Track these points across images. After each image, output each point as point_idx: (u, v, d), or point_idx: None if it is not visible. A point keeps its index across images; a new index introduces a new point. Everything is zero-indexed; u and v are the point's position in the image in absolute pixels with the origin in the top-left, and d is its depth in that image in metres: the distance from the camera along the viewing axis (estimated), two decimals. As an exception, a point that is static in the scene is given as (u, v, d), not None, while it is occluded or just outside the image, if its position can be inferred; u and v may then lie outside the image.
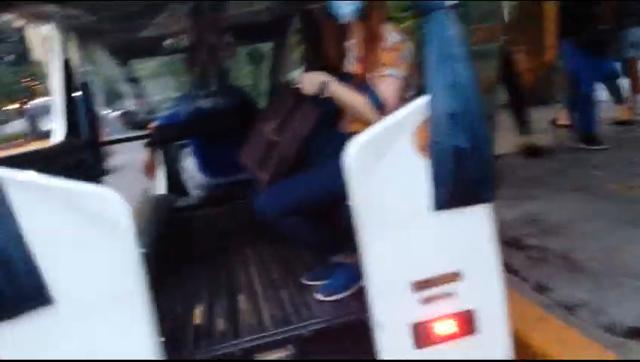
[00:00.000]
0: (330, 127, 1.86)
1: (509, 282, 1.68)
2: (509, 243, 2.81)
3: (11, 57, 19.39)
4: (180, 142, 3.67)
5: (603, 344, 1.88)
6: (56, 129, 2.41)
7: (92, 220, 1.28)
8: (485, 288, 1.55)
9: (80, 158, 2.48)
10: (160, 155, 3.71)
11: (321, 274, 1.95)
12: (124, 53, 3.48)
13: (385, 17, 1.76)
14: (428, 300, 1.50)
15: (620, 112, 5.03)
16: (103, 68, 3.44)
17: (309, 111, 1.76)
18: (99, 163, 2.68)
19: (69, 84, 2.49)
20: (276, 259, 2.31)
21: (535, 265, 2.58)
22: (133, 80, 3.96)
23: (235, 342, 1.61)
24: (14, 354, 1.26)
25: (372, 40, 1.73)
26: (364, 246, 1.47)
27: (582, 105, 4.42)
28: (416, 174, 1.45)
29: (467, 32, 1.76)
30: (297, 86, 1.78)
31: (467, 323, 1.53)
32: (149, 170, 3.60)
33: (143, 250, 1.34)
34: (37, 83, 19.39)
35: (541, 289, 2.35)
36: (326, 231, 1.86)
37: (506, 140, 4.22)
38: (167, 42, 2.90)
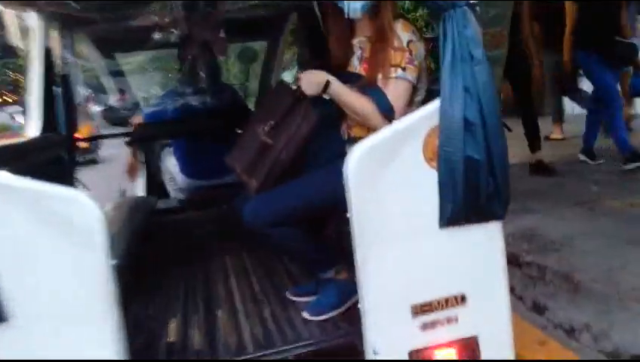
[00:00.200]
0: (330, 131, 1.74)
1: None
2: (507, 259, 2.72)
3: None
4: (162, 141, 3.54)
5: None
6: (32, 123, 2.30)
7: (61, 227, 1.16)
8: (491, 313, 1.47)
9: (56, 155, 2.36)
10: (141, 154, 3.57)
11: (309, 289, 1.86)
12: (110, 45, 3.36)
13: (396, 15, 1.64)
14: (428, 325, 1.41)
15: None
16: (87, 60, 3.33)
17: (307, 113, 1.64)
18: (74, 161, 2.57)
19: (49, 76, 2.39)
20: (260, 270, 2.23)
21: (533, 283, 2.49)
22: (118, 74, 3.84)
23: None
24: None
25: (381, 39, 1.61)
26: (361, 264, 1.36)
27: (594, 121, 4.33)
28: (423, 186, 1.37)
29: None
30: (296, 85, 1.66)
31: (470, 350, 1.44)
32: (132, 170, 3.44)
33: (115, 262, 1.21)
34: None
35: (539, 309, 2.27)
36: (317, 244, 1.76)
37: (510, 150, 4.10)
38: (156, 35, 2.77)
